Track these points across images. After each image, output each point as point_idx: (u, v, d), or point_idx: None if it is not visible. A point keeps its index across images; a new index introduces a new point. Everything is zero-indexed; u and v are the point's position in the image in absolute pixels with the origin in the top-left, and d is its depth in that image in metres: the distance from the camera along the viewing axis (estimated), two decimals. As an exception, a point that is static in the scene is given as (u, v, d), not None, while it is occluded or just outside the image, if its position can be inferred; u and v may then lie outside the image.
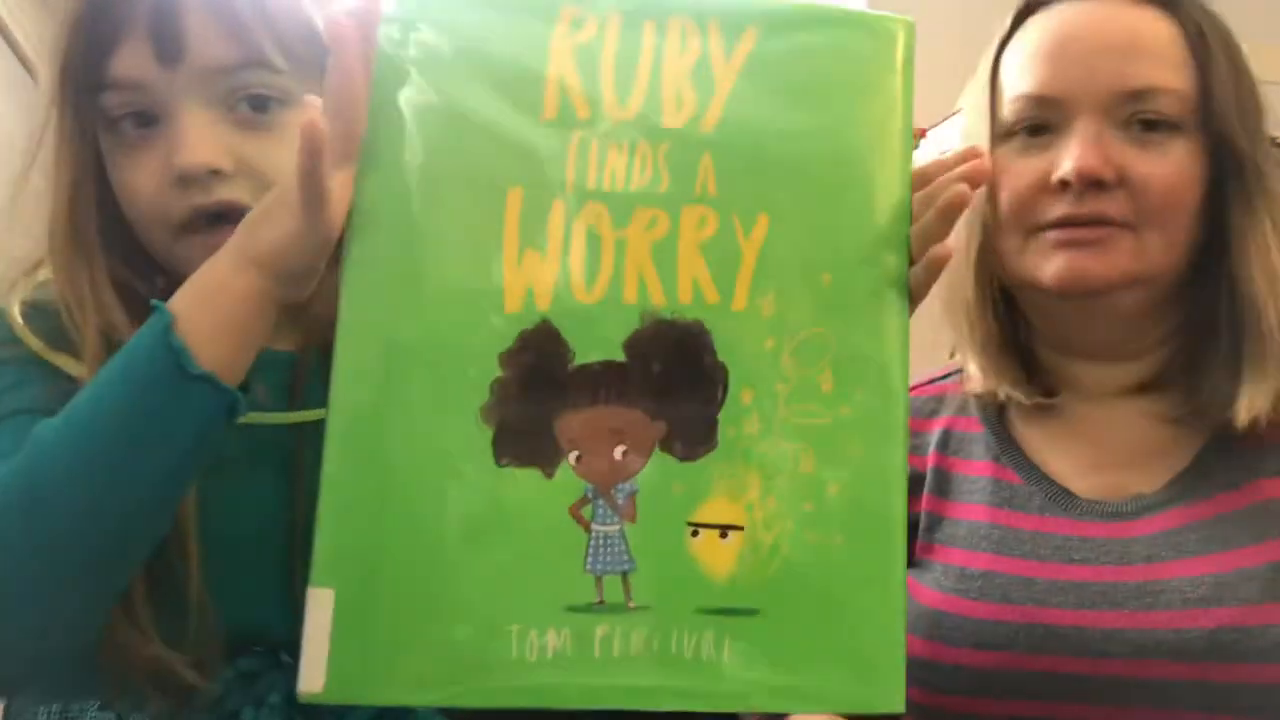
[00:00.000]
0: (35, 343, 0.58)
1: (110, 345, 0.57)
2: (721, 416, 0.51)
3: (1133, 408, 0.73)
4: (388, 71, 0.50)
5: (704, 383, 0.51)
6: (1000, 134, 0.72)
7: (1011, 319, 0.76)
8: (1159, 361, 0.73)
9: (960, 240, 0.74)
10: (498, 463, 0.49)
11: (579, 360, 0.50)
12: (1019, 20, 0.73)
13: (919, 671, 0.69)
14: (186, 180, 0.57)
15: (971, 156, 0.56)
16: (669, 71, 0.52)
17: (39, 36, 1.02)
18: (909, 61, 0.56)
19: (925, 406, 0.82)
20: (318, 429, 0.52)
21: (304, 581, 0.57)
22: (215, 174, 0.58)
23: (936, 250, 0.54)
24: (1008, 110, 0.71)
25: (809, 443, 0.51)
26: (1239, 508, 0.66)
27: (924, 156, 1.84)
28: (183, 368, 0.48)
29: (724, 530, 0.50)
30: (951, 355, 0.82)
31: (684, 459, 0.51)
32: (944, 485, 0.76)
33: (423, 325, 0.50)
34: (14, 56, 0.99)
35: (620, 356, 0.51)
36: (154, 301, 0.50)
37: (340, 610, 0.48)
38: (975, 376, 0.76)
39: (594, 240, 0.50)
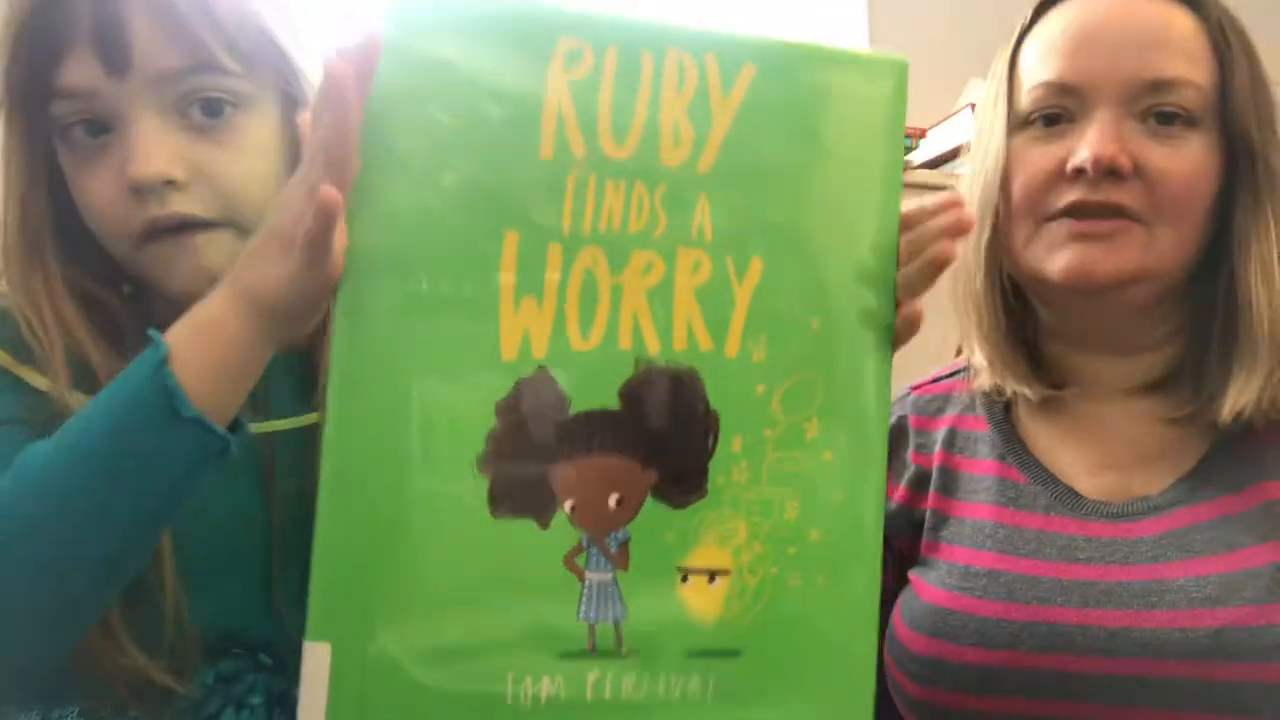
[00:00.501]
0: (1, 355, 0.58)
1: (75, 358, 0.57)
2: (712, 464, 0.51)
3: (1139, 408, 0.73)
4: (381, 110, 0.47)
5: (697, 431, 0.51)
6: (1016, 123, 0.72)
7: (1020, 312, 0.76)
8: (1166, 358, 0.73)
9: (971, 230, 0.74)
10: (493, 514, 0.48)
11: (575, 408, 0.50)
12: (1039, 12, 0.73)
13: (923, 669, 0.69)
14: (141, 191, 0.56)
15: (953, 205, 0.55)
16: (666, 108, 0.50)
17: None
18: (901, 102, 0.55)
19: (931, 405, 0.82)
20: (288, 432, 0.51)
21: (283, 582, 0.57)
22: (170, 184, 0.56)
23: (918, 306, 0.55)
24: (1026, 99, 0.71)
25: (794, 489, 0.52)
26: (1244, 509, 0.66)
27: (924, 156, 1.84)
28: (175, 409, 0.47)
29: (712, 575, 0.51)
30: (958, 353, 0.82)
31: (676, 507, 0.51)
32: (950, 484, 0.76)
33: (417, 375, 0.48)
34: None
35: (615, 404, 0.50)
36: (150, 332, 0.49)
37: (337, 664, 0.47)
38: (982, 369, 0.76)
39: (590, 286, 0.49)
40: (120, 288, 0.62)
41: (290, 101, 0.62)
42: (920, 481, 0.78)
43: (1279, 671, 0.60)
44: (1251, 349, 0.67)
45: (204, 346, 0.48)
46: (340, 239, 0.47)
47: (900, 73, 0.54)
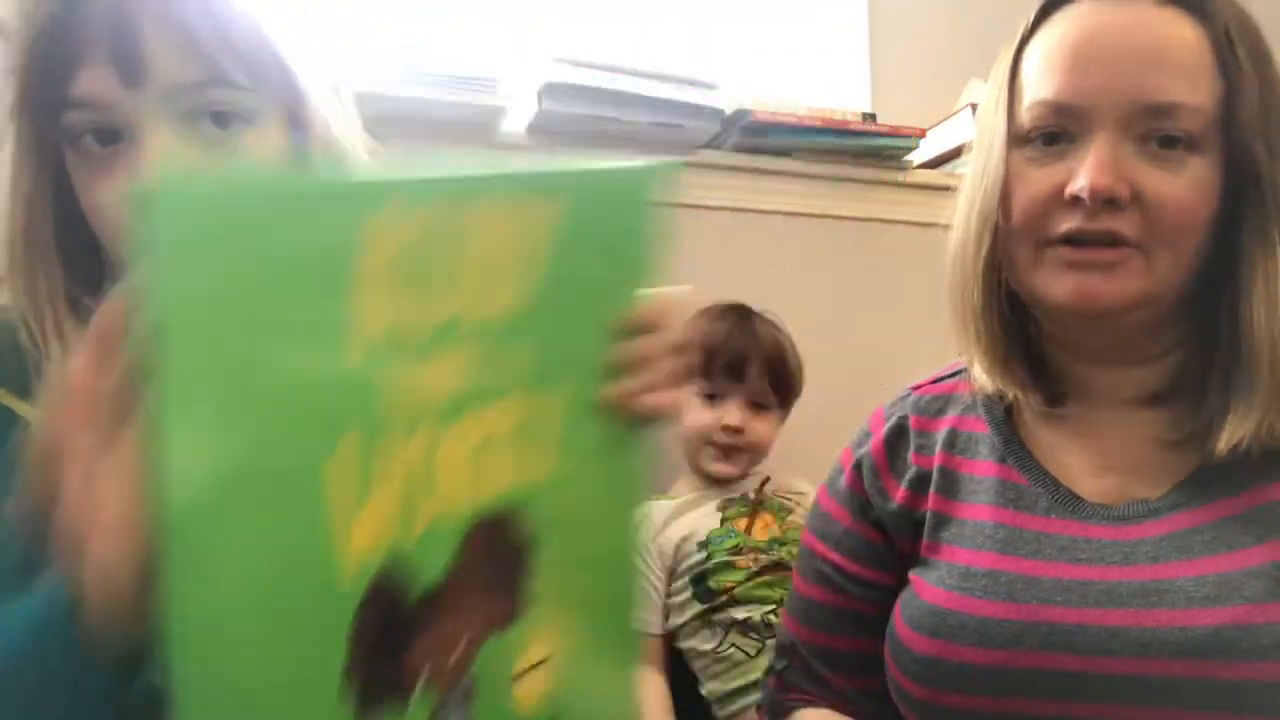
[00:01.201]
0: None
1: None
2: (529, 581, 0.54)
3: (1140, 418, 0.72)
4: (174, 328, 0.38)
5: (521, 562, 0.53)
6: (1016, 138, 0.70)
7: (1020, 320, 0.76)
8: (1168, 370, 0.72)
9: (970, 245, 0.74)
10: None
11: (418, 591, 0.49)
12: (1041, 17, 0.71)
13: (923, 669, 0.70)
14: None
15: (683, 348, 0.55)
16: (478, 260, 0.47)
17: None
18: (663, 203, 0.55)
19: (932, 406, 0.82)
20: None
21: None
22: None
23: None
24: (1026, 115, 0.70)
25: (587, 574, 0.57)
26: (1243, 510, 0.66)
27: (924, 156, 1.84)
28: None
29: (539, 664, 0.55)
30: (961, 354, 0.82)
31: (504, 631, 0.53)
32: (950, 485, 0.76)
33: (263, 626, 0.43)
34: None
35: (444, 575, 0.50)
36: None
37: None
38: (981, 379, 0.76)
39: (416, 470, 0.47)
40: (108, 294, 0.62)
41: (293, 119, 0.63)
42: (920, 482, 0.78)
43: (1278, 670, 0.61)
44: (1251, 380, 0.66)
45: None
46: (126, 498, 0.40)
47: (665, 175, 0.55)
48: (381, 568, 0.46)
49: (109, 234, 0.59)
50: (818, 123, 1.52)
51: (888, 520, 0.79)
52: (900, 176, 1.62)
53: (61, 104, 0.57)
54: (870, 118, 1.56)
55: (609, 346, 0.53)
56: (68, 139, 0.58)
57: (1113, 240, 0.66)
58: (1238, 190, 0.66)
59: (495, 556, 0.52)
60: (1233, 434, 0.65)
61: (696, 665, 1.21)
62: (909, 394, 0.84)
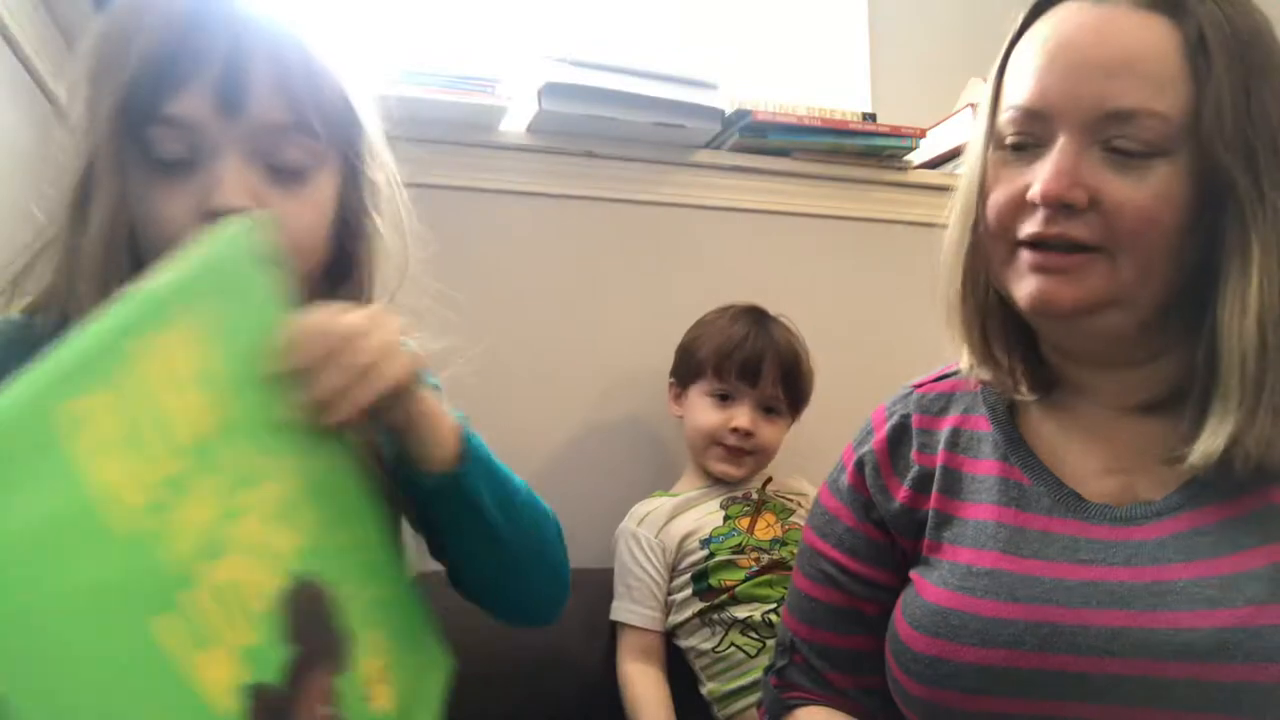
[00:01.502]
0: None
1: None
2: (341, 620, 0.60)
3: (1139, 427, 0.72)
4: None
5: (329, 612, 0.59)
6: (996, 139, 0.71)
7: (1015, 316, 0.75)
8: (1163, 379, 0.71)
9: (954, 243, 0.75)
10: None
11: (280, 678, 0.52)
12: (1029, 20, 0.72)
13: (924, 668, 0.70)
14: (216, 218, 0.59)
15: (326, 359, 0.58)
16: (167, 398, 0.49)
17: (39, 38, 1.01)
18: (262, 255, 0.57)
19: (935, 404, 0.82)
20: None
21: None
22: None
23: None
24: (1002, 118, 0.70)
25: (371, 586, 0.65)
26: (1246, 512, 0.66)
27: (923, 156, 1.83)
28: None
29: (379, 676, 0.63)
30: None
31: (345, 669, 0.59)
32: (953, 484, 0.76)
33: None
34: (14, 57, 0.98)
35: (288, 653, 0.54)
36: None
37: None
38: (967, 368, 0.78)
39: (222, 589, 0.50)
40: None
41: (350, 170, 0.68)
42: (923, 482, 0.78)
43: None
44: (1224, 391, 0.65)
45: None
46: None
47: (250, 234, 0.57)
48: (248, 683, 0.50)
49: (159, 246, 0.60)
50: (818, 123, 1.52)
51: (890, 519, 0.79)
52: (900, 176, 1.62)
53: (152, 118, 0.59)
54: (870, 118, 1.56)
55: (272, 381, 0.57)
56: (143, 153, 0.60)
57: (1071, 245, 0.66)
58: (1213, 199, 0.65)
59: (311, 619, 0.56)
60: (1207, 447, 0.65)
61: (697, 665, 1.21)
62: (911, 391, 0.84)
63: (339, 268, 0.71)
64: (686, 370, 1.33)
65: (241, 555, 0.52)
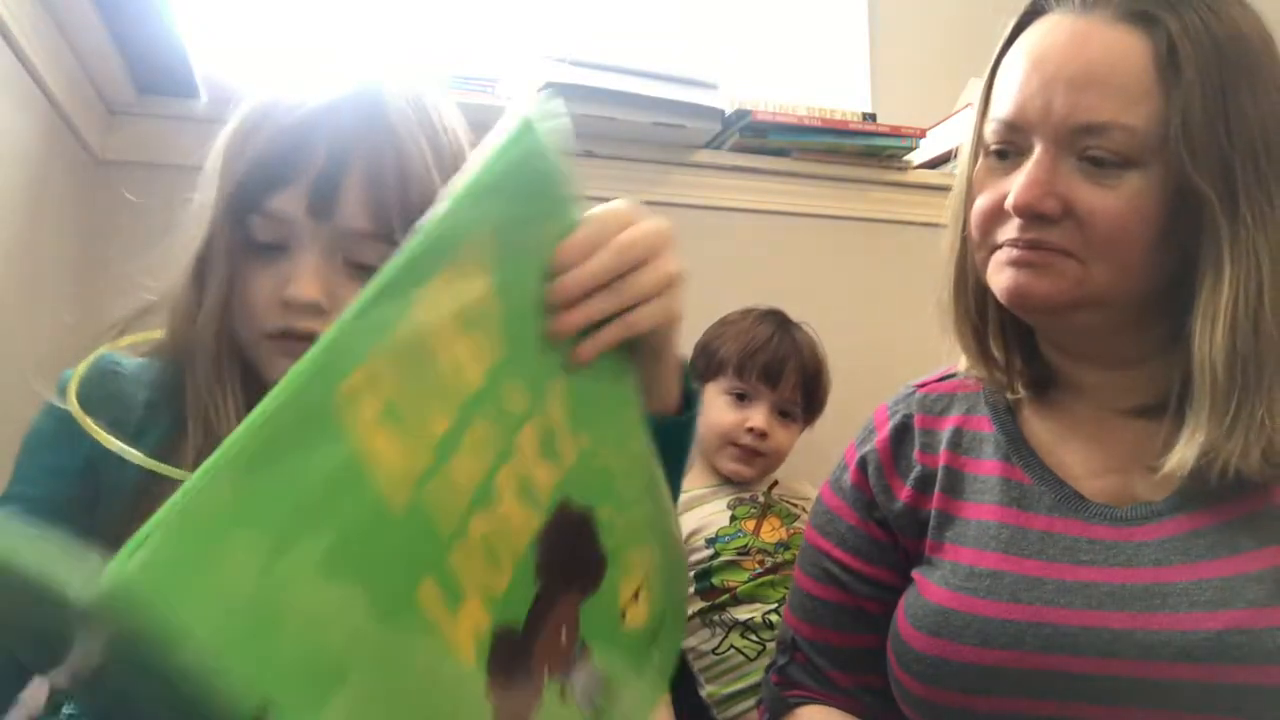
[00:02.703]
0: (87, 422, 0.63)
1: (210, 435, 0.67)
2: (601, 543, 0.58)
3: (1136, 429, 0.72)
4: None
5: (587, 539, 0.57)
6: (983, 148, 0.73)
7: (1015, 318, 0.76)
8: (1154, 382, 0.71)
9: (946, 245, 0.77)
10: None
11: (520, 621, 0.51)
12: (1017, 30, 0.73)
13: (926, 668, 0.70)
14: (291, 306, 0.66)
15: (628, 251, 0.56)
16: (443, 349, 0.47)
17: (36, 33, 1.01)
18: (554, 137, 0.54)
19: (937, 404, 0.82)
20: None
21: None
22: (314, 307, 0.66)
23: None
24: (988, 129, 0.72)
25: (634, 504, 0.61)
26: (1246, 513, 0.66)
27: (924, 156, 1.83)
28: None
29: (636, 594, 0.61)
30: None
31: (594, 592, 0.58)
32: (955, 484, 0.77)
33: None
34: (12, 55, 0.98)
35: (535, 593, 0.52)
36: None
37: None
38: (964, 366, 0.79)
39: (489, 543, 0.48)
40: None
41: None
42: (925, 481, 0.78)
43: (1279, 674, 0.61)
44: (1198, 403, 0.65)
45: None
46: None
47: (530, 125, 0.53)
48: (492, 631, 0.49)
49: (243, 319, 0.68)
50: (818, 123, 1.52)
51: (892, 519, 0.79)
52: (900, 176, 1.62)
53: (255, 210, 0.66)
54: (870, 118, 1.56)
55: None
56: (245, 236, 0.67)
57: (1045, 247, 0.68)
58: (1187, 209, 0.65)
59: (566, 550, 0.54)
60: (1181, 457, 0.65)
61: (696, 666, 1.21)
62: (913, 391, 0.84)
63: None
64: (705, 367, 1.33)
65: (511, 497, 0.50)
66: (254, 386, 0.69)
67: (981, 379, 0.79)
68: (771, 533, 1.25)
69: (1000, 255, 0.70)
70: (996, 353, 0.77)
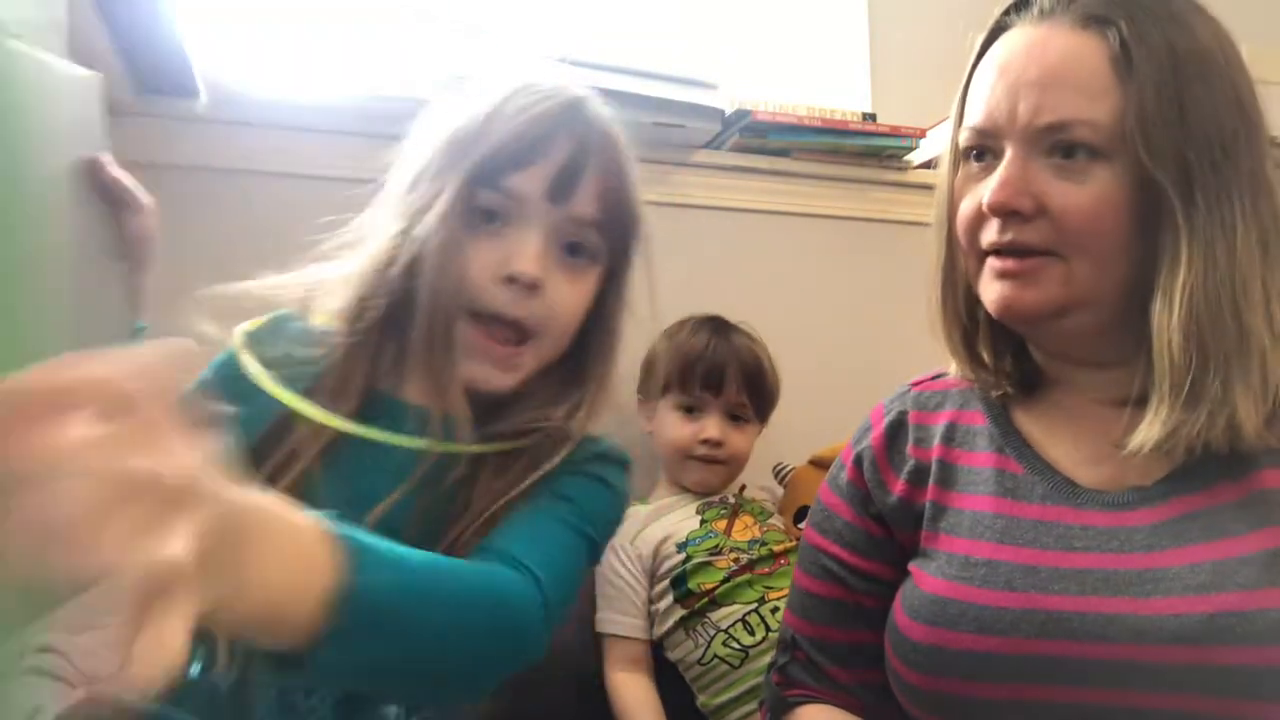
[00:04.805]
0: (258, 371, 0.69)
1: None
2: None
3: (1124, 418, 0.72)
4: None
5: None
6: (961, 155, 0.75)
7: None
8: (1141, 375, 0.72)
9: (933, 254, 0.79)
10: None
11: None
12: (987, 43, 0.75)
13: (923, 657, 0.70)
14: (515, 282, 0.70)
15: None
16: None
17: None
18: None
19: (931, 401, 0.83)
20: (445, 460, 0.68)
21: None
22: (534, 288, 0.70)
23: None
24: (962, 137, 0.74)
25: None
26: (1237, 497, 0.67)
27: (923, 156, 1.83)
28: None
29: None
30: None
31: None
32: (948, 476, 0.78)
33: None
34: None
35: None
36: None
37: None
38: (955, 371, 0.81)
39: None
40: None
41: (614, 272, 0.77)
42: (919, 474, 0.79)
43: (1272, 654, 0.61)
44: (1159, 385, 0.67)
45: None
46: None
47: None
48: None
49: (451, 294, 0.70)
50: (818, 123, 1.53)
51: (887, 513, 0.80)
52: (899, 176, 1.62)
53: (489, 184, 0.70)
54: (870, 118, 1.57)
55: None
56: (467, 208, 0.70)
57: (1025, 250, 0.69)
58: (1150, 200, 0.67)
59: None
60: (1144, 436, 0.67)
61: (688, 677, 1.20)
62: (909, 389, 0.85)
63: (566, 363, 0.77)
64: (651, 385, 1.32)
65: None
66: (397, 369, 0.73)
67: (971, 380, 0.81)
68: (744, 531, 1.25)
69: (988, 267, 0.72)
70: (985, 356, 0.79)
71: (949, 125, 0.78)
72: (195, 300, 0.70)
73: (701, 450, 1.27)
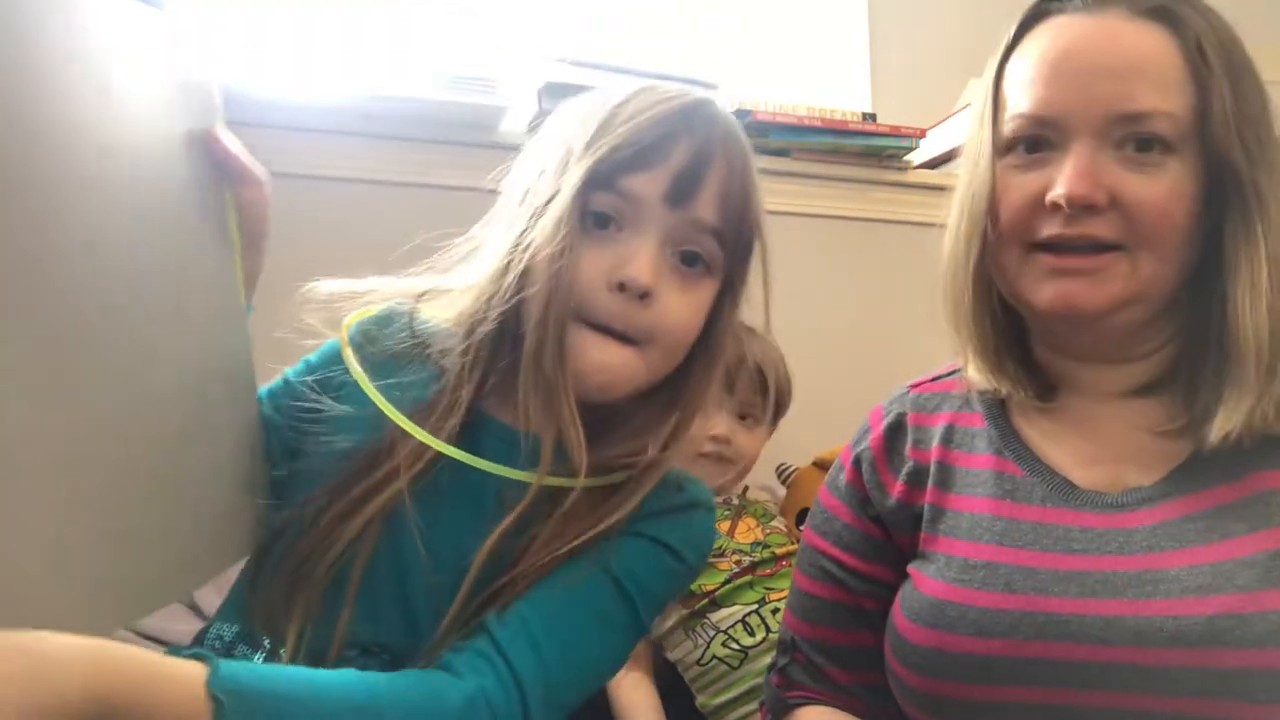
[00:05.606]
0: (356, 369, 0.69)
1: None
2: None
3: (1132, 409, 0.73)
4: None
5: None
6: (1000, 147, 0.73)
7: (1010, 321, 0.77)
8: (1157, 366, 0.73)
9: (961, 253, 0.76)
10: None
11: None
12: (1024, 29, 0.73)
13: (923, 660, 0.70)
14: (626, 289, 0.66)
15: None
16: None
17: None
18: None
19: (930, 403, 0.83)
20: (515, 488, 0.65)
21: (473, 607, 0.63)
22: (645, 297, 0.67)
23: None
24: (1008, 126, 0.72)
25: None
26: (1236, 498, 0.67)
27: (923, 156, 1.83)
28: None
29: None
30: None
31: None
32: (947, 478, 0.77)
33: None
34: None
35: None
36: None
37: None
38: (975, 378, 0.78)
39: None
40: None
41: (729, 285, 0.73)
42: (917, 476, 0.78)
43: (1271, 657, 0.61)
44: (1241, 373, 0.67)
45: None
46: None
47: None
48: None
49: (578, 294, 0.67)
50: (818, 122, 1.53)
51: (886, 515, 0.79)
52: (900, 176, 1.62)
53: (607, 186, 0.67)
54: (870, 118, 1.57)
55: None
56: (582, 208, 0.67)
57: (1094, 245, 0.68)
58: (1218, 192, 0.68)
59: None
60: (1225, 424, 0.67)
61: (686, 677, 1.20)
62: (907, 391, 0.85)
63: (664, 386, 0.73)
64: None
65: None
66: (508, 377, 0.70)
67: (985, 391, 0.78)
68: (747, 533, 1.25)
69: (1041, 263, 0.70)
70: (1009, 362, 0.77)
71: (975, 116, 0.75)
72: (303, 293, 0.71)
73: (709, 447, 1.27)
